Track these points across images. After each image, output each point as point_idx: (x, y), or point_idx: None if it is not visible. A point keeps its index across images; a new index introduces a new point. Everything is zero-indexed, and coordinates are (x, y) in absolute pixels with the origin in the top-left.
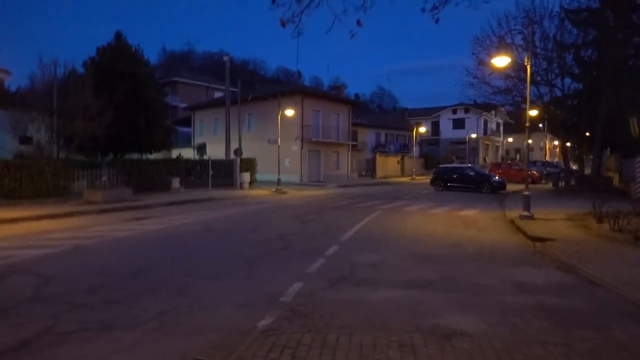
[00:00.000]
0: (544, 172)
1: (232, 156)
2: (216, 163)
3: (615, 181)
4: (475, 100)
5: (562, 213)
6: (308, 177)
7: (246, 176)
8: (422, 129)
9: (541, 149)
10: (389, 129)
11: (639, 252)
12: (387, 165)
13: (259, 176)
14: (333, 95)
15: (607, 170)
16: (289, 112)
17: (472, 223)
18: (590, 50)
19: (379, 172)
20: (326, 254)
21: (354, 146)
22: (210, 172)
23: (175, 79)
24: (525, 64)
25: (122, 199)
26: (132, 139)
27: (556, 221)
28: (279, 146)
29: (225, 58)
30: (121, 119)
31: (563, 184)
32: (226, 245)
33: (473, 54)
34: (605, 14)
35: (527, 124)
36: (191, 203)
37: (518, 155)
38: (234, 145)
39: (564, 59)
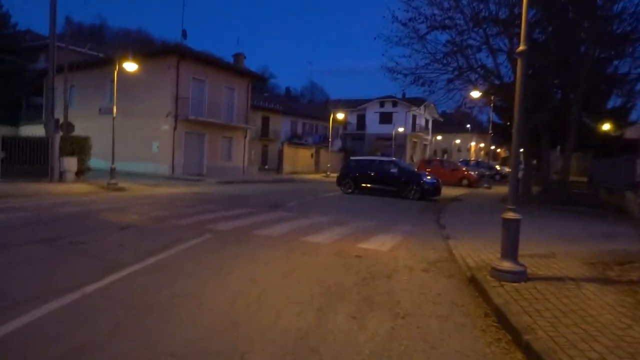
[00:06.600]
0: (487, 173)
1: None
2: (19, 142)
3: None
4: (401, 95)
5: (571, 256)
6: (184, 168)
7: (71, 163)
8: (341, 116)
9: (468, 150)
10: (308, 118)
11: None
12: (298, 158)
13: (119, 165)
14: (226, 63)
15: (556, 173)
16: (130, 68)
17: (382, 285)
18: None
19: (287, 167)
20: None
21: (263, 135)
22: (2, 155)
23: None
24: None
25: None
26: None
27: (582, 285)
28: (114, 118)
29: None
30: None
31: (521, 191)
32: None
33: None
34: None
35: (522, 47)
36: None
37: (445, 156)
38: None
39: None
